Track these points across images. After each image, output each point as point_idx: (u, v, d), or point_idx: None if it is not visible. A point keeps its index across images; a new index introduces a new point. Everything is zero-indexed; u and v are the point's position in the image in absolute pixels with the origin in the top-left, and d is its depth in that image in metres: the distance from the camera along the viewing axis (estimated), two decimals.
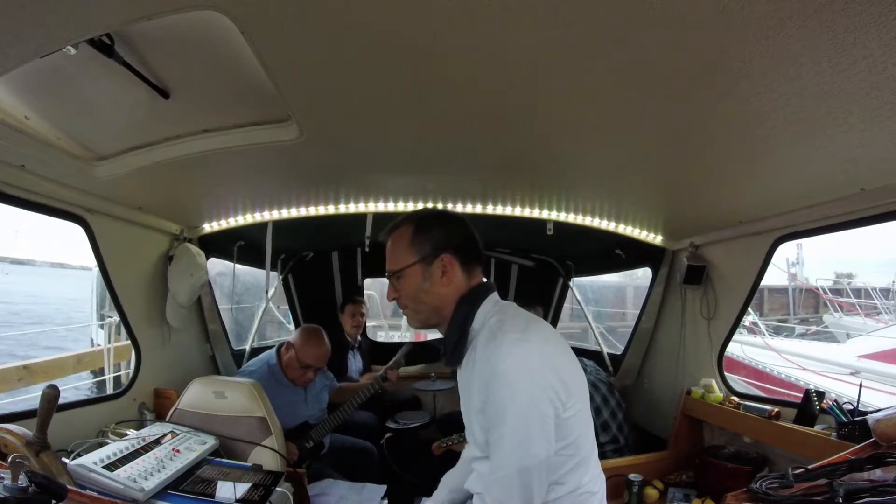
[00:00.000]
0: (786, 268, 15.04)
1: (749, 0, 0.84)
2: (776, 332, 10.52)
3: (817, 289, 12.85)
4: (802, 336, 11.20)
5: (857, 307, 11.02)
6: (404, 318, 1.31)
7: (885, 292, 11.41)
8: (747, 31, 0.92)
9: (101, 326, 6.35)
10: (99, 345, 6.55)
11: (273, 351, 2.50)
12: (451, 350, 1.16)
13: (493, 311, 1.14)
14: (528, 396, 1.00)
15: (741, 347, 7.62)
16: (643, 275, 3.21)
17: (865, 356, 6.80)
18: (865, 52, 0.93)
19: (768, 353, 7.66)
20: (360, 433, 2.90)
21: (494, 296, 1.19)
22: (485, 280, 1.22)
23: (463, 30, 1.00)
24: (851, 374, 6.24)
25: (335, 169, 2.01)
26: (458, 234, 1.18)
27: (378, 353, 3.84)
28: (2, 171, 1.48)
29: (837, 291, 12.36)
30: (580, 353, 3.28)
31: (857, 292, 11.92)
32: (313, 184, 2.25)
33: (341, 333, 3.38)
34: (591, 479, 1.13)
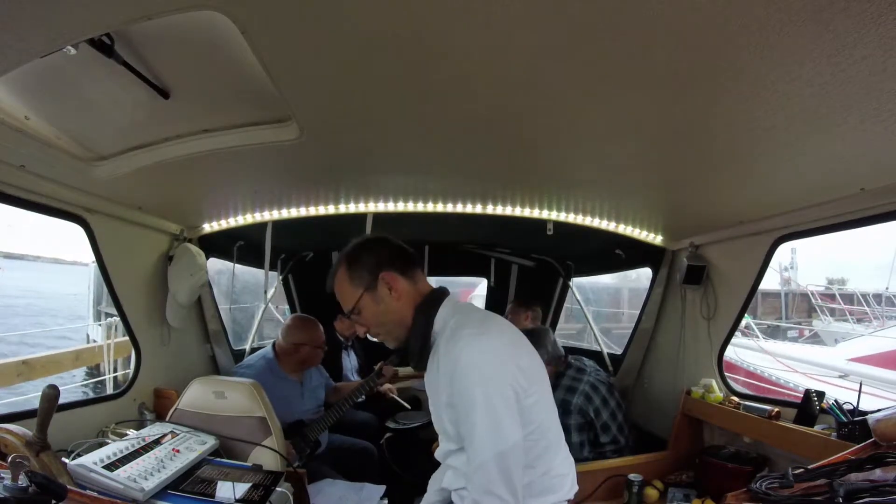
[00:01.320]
0: (779, 271, 15.01)
1: (749, 0, 0.84)
2: (770, 335, 10.52)
3: (809, 293, 12.85)
4: (795, 340, 11.20)
5: (848, 313, 11.03)
6: None
7: (878, 297, 11.36)
8: (747, 31, 0.92)
9: (100, 325, 6.36)
10: (95, 341, 6.55)
11: (269, 346, 2.53)
12: (418, 355, 1.24)
13: (452, 314, 1.21)
14: (491, 383, 1.07)
15: (734, 350, 7.64)
16: (638, 276, 3.20)
17: (855, 359, 6.87)
18: (865, 52, 0.93)
19: (760, 356, 7.69)
20: (360, 433, 2.90)
21: (451, 299, 1.26)
22: (436, 287, 1.29)
23: (463, 30, 1.00)
24: (840, 376, 6.32)
25: (335, 169, 2.01)
26: (384, 251, 1.24)
27: (376, 353, 3.83)
28: (2, 171, 1.47)
29: (829, 296, 12.34)
30: (580, 352, 3.27)
31: (849, 298, 11.87)
32: (313, 184, 2.25)
33: (334, 333, 3.37)
34: (562, 462, 1.22)
